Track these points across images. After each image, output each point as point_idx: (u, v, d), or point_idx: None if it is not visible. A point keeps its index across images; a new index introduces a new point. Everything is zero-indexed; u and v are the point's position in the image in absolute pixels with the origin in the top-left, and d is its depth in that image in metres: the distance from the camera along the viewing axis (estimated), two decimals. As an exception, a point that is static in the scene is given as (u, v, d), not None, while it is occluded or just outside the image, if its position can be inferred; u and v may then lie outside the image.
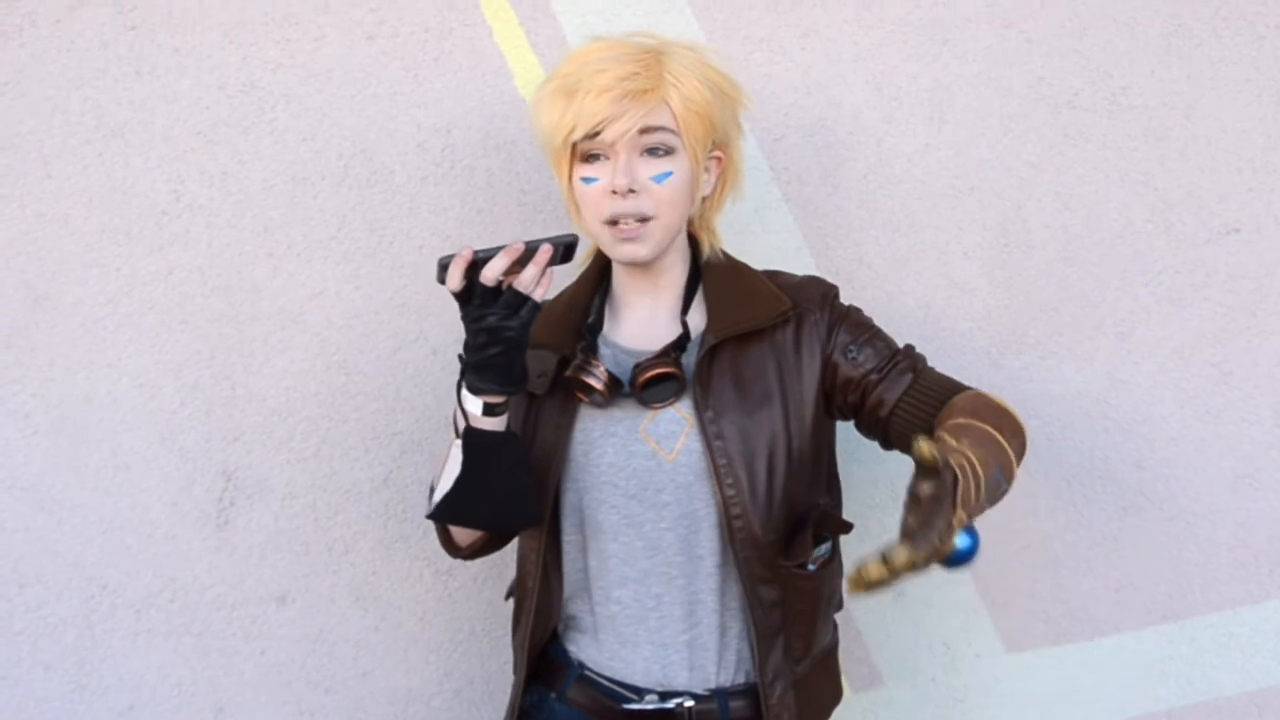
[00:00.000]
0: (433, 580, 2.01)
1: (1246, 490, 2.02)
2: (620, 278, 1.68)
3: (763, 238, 1.98)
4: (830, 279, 1.99)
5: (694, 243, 1.69)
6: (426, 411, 2.00)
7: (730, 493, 1.56)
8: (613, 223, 1.56)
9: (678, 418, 1.59)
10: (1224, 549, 2.03)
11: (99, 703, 1.98)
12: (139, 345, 1.96)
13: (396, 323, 1.99)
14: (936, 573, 2.02)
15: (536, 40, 1.97)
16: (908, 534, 1.26)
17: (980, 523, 2.01)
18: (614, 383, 1.59)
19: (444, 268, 1.47)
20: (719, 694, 1.61)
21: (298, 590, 2.00)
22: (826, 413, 1.64)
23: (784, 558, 1.57)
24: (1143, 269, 2.01)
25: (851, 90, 2.00)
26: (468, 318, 1.49)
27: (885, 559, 1.24)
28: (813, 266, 2.00)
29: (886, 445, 1.65)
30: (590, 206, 1.58)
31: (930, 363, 1.61)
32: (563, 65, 1.59)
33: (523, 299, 1.47)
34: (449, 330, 1.98)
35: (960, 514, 1.29)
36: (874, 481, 2.02)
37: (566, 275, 1.71)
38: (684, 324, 1.63)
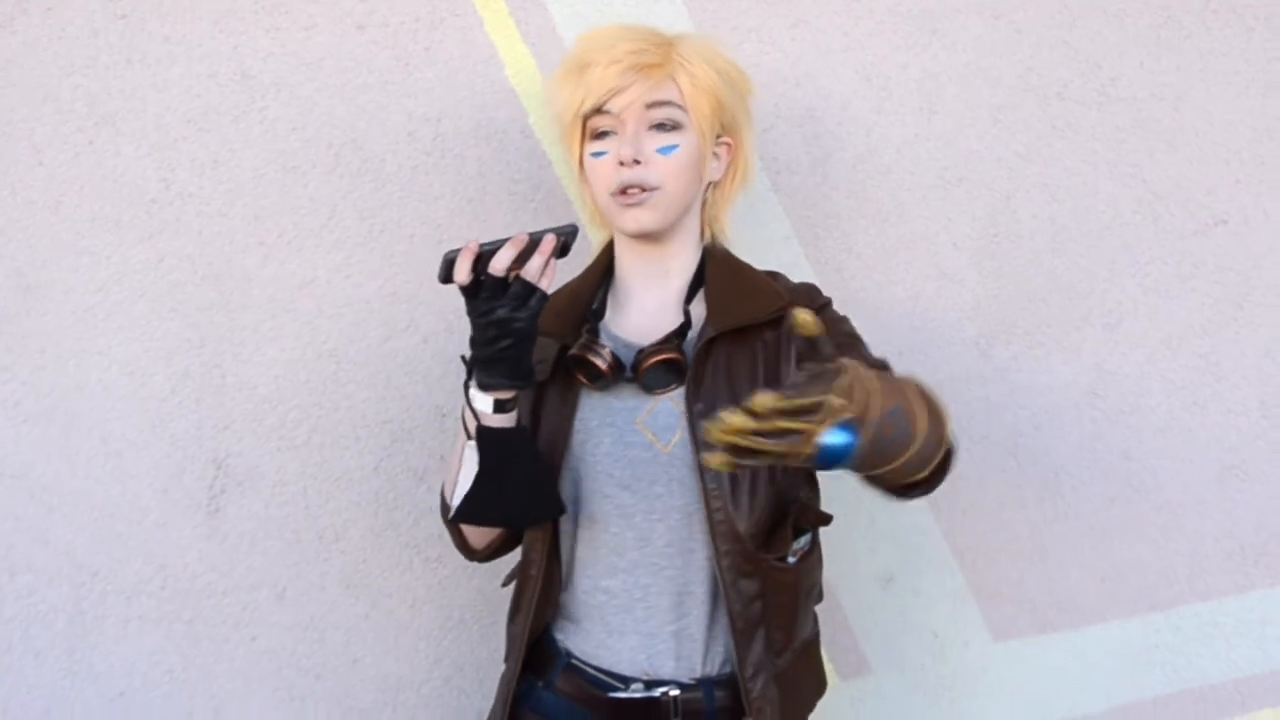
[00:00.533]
0: (423, 568, 2.02)
1: (1233, 481, 2.03)
2: (629, 264, 1.69)
3: (752, 228, 1.99)
4: (819, 269, 2.01)
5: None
6: (417, 400, 2.00)
7: (712, 486, 1.56)
8: (620, 192, 1.58)
9: (675, 410, 1.59)
10: (1210, 539, 2.04)
11: (89, 689, 1.98)
12: (129, 333, 1.96)
13: (387, 311, 1.99)
14: (923, 561, 2.05)
15: (527, 30, 1.98)
16: (786, 385, 1.18)
17: (972, 512, 2.04)
18: (617, 364, 1.59)
19: (449, 264, 1.45)
20: (705, 683, 1.61)
21: (288, 577, 2.00)
22: None
23: (764, 551, 1.58)
24: (1131, 260, 2.01)
25: (841, 80, 2.00)
26: (475, 312, 1.48)
27: (748, 406, 1.15)
28: (801, 257, 2.00)
29: None
30: (600, 180, 1.61)
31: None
32: (575, 47, 1.63)
33: (531, 289, 1.47)
34: (439, 318, 1.98)
35: (842, 402, 1.17)
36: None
37: (569, 270, 1.72)
38: (686, 313, 1.64)
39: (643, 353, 1.59)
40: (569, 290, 1.72)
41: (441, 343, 1.98)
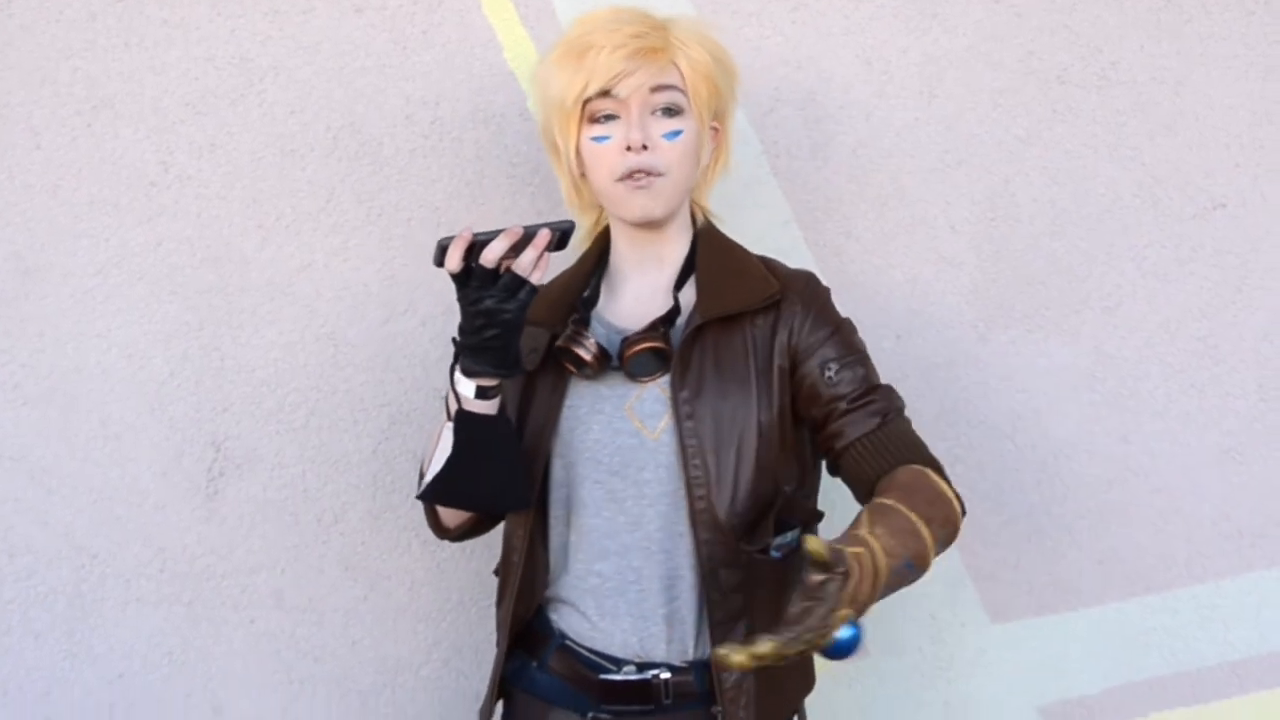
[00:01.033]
0: (421, 550, 2.02)
1: (1231, 464, 2.03)
2: (624, 251, 1.69)
3: (752, 211, 1.99)
4: (818, 253, 2.00)
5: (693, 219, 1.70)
6: (415, 383, 2.00)
7: (696, 474, 1.55)
8: (628, 176, 1.57)
9: (661, 397, 1.59)
10: (1208, 522, 2.04)
11: (89, 671, 1.99)
12: (128, 316, 1.96)
13: (385, 294, 1.99)
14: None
15: (525, 13, 1.97)
16: (785, 622, 1.26)
17: (969, 495, 2.04)
18: (603, 355, 1.60)
19: (443, 249, 1.46)
20: (696, 666, 1.61)
21: (287, 560, 2.01)
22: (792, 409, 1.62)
23: (746, 542, 1.56)
24: (1129, 244, 2.01)
25: (841, 64, 2.00)
26: (464, 300, 1.48)
27: (752, 650, 1.25)
28: (801, 241, 2.00)
29: (832, 471, 1.64)
30: (604, 165, 1.59)
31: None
32: (569, 31, 1.62)
33: (521, 282, 1.47)
34: (438, 301, 1.98)
35: (846, 610, 1.28)
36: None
37: (562, 261, 1.72)
38: (675, 299, 1.64)
39: (627, 340, 1.59)
40: (562, 279, 1.72)
41: (440, 326, 1.98)
